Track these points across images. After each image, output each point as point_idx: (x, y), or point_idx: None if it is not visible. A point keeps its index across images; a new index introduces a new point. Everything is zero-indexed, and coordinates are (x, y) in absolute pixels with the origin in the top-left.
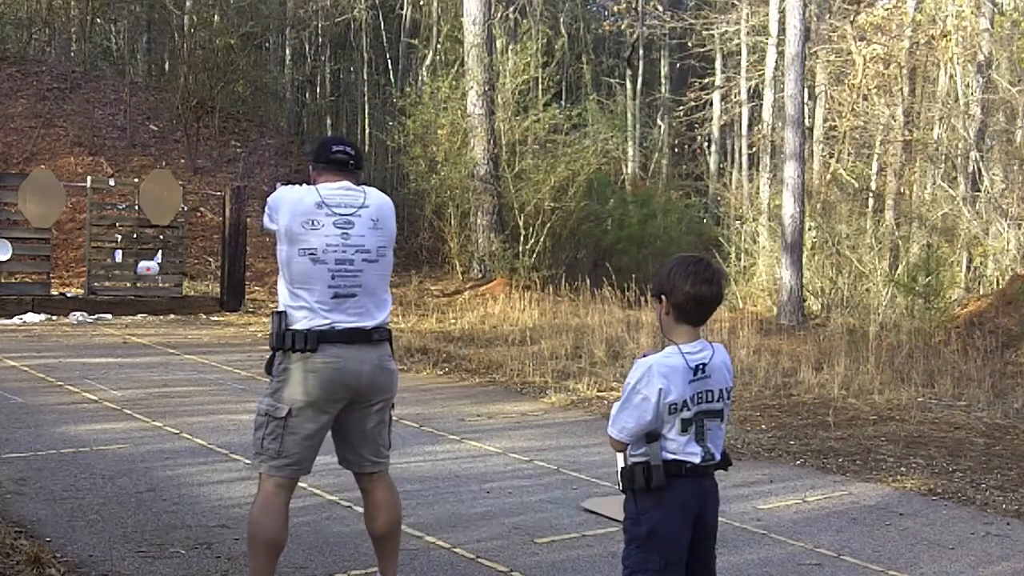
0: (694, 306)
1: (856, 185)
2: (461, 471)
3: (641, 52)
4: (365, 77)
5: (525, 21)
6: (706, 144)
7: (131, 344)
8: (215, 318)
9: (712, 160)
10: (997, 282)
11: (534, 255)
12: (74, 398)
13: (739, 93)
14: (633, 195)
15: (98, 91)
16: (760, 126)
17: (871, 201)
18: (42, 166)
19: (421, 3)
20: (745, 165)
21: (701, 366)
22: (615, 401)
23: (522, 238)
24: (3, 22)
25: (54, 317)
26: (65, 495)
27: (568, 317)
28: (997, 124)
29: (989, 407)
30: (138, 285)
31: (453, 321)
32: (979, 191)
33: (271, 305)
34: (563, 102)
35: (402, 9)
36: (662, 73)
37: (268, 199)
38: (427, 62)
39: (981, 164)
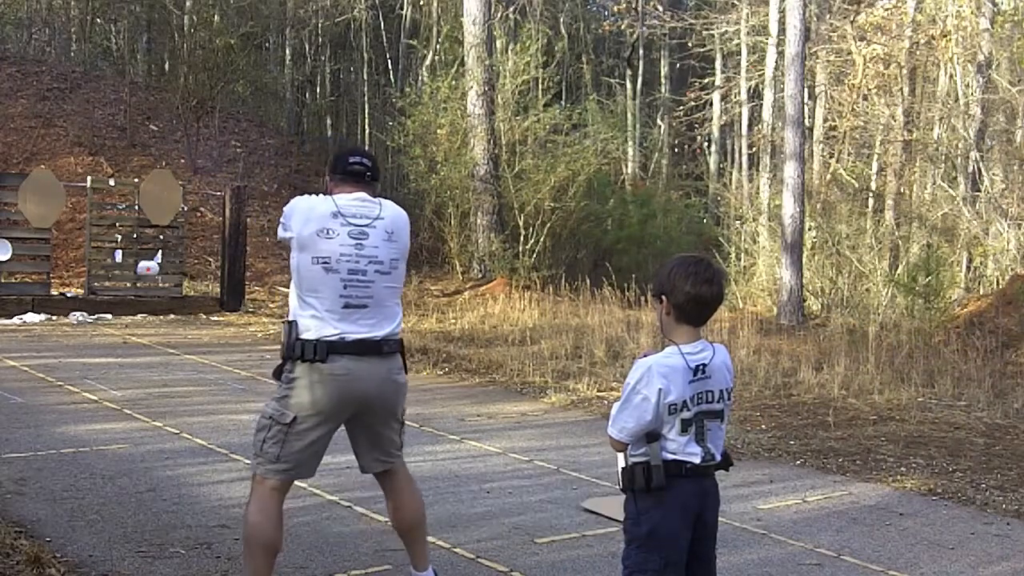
0: (694, 306)
1: (856, 185)
2: (461, 471)
3: (641, 52)
4: (365, 77)
5: (525, 22)
6: (706, 144)
7: (131, 344)
8: (215, 318)
9: (712, 160)
10: (997, 282)
11: (534, 255)
12: (74, 398)
13: (739, 93)
14: (633, 195)
15: (98, 91)
16: (760, 126)
17: (871, 201)
18: (42, 166)
19: (421, 3)
20: (745, 165)
21: (701, 366)
22: (615, 401)
23: (522, 238)
24: (3, 22)
25: (54, 317)
26: (65, 495)
27: (568, 317)
28: (997, 124)
29: (989, 407)
30: (138, 285)
31: (453, 321)
32: (979, 191)
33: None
34: (563, 102)
35: (402, 9)
36: (662, 73)
37: (284, 209)
38: (427, 62)
39: (981, 164)
